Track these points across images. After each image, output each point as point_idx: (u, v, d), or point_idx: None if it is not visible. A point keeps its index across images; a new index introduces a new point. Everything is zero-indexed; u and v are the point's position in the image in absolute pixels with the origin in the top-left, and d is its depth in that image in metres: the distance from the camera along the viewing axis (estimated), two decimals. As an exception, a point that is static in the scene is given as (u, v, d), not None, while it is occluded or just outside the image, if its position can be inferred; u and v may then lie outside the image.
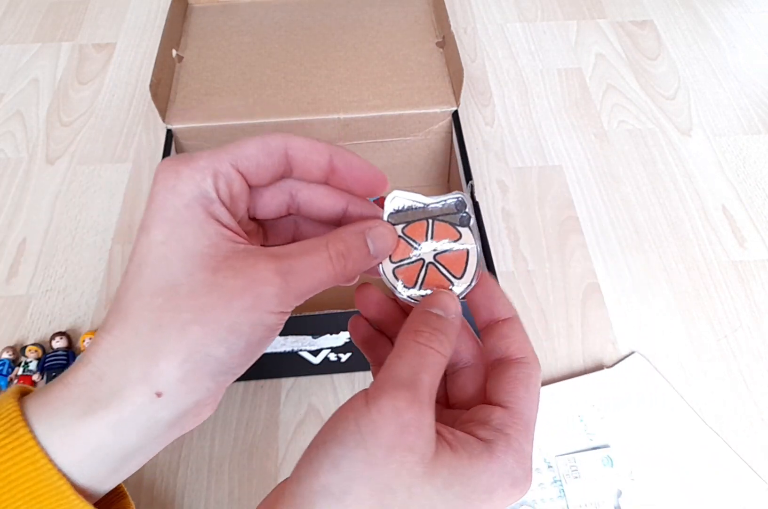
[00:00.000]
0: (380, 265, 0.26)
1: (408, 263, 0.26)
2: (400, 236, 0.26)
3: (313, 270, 0.22)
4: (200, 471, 0.48)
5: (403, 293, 0.26)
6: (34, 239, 0.63)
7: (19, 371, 0.52)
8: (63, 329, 0.56)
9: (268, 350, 0.46)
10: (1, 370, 0.52)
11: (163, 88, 0.58)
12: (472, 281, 0.26)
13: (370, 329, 0.28)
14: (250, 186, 0.24)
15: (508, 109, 0.75)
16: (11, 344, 0.55)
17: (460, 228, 0.26)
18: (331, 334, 0.46)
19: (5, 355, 0.53)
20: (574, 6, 0.89)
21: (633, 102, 0.76)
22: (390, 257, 0.26)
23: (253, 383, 0.53)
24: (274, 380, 0.53)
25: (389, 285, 0.26)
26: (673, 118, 0.74)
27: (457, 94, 0.58)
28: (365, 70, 0.62)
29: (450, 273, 0.26)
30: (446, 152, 0.63)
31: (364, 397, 0.21)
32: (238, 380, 0.52)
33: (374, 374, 0.27)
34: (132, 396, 0.21)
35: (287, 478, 0.22)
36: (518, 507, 0.46)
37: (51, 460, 0.20)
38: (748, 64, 0.80)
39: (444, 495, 0.21)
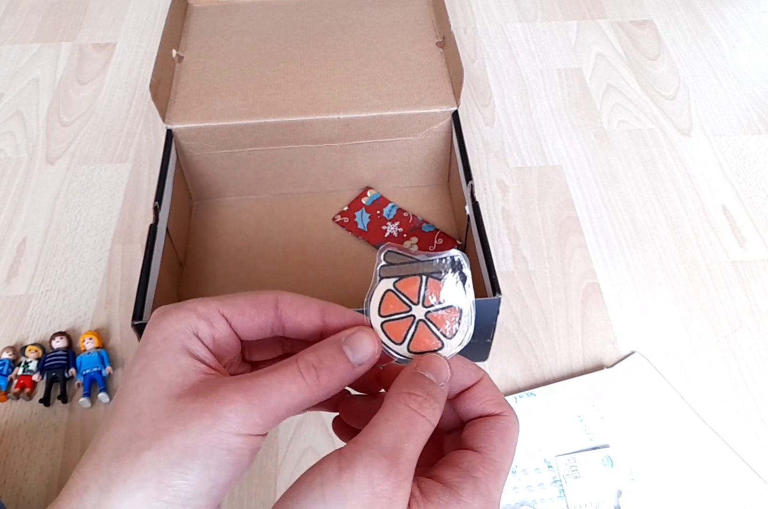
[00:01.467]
0: (369, 318, 0.25)
1: (397, 319, 0.25)
2: (391, 290, 0.25)
3: (279, 384, 0.21)
4: (200, 471, 0.48)
5: (391, 348, 0.25)
6: (34, 239, 0.63)
7: (19, 371, 0.52)
8: (63, 329, 0.56)
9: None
10: (1, 370, 0.52)
11: (163, 88, 0.58)
12: (462, 342, 0.25)
13: (345, 425, 0.27)
14: (241, 337, 0.24)
15: (508, 109, 0.75)
16: (11, 344, 0.55)
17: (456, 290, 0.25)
18: (331, 334, 0.46)
19: (5, 355, 0.53)
20: (574, 6, 0.89)
21: (633, 102, 0.76)
22: (379, 311, 0.25)
23: (253, 383, 0.52)
24: None
25: None
26: (673, 119, 0.74)
27: (457, 94, 0.58)
28: (365, 70, 0.62)
29: (440, 333, 0.25)
30: (446, 152, 0.63)
31: (338, 461, 0.20)
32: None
33: None
34: None
35: None
36: (518, 507, 0.46)
37: None
38: (748, 64, 0.80)
39: None
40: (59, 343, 0.53)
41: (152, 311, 0.46)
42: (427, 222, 0.63)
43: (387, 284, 0.25)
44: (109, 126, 0.74)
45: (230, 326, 0.24)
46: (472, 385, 0.25)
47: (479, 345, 0.51)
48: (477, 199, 0.51)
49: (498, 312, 0.45)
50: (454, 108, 0.58)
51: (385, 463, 0.20)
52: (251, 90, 0.60)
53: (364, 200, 0.65)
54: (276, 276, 0.59)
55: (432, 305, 0.25)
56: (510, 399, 0.51)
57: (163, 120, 0.57)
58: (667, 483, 0.47)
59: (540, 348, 0.55)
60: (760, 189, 0.67)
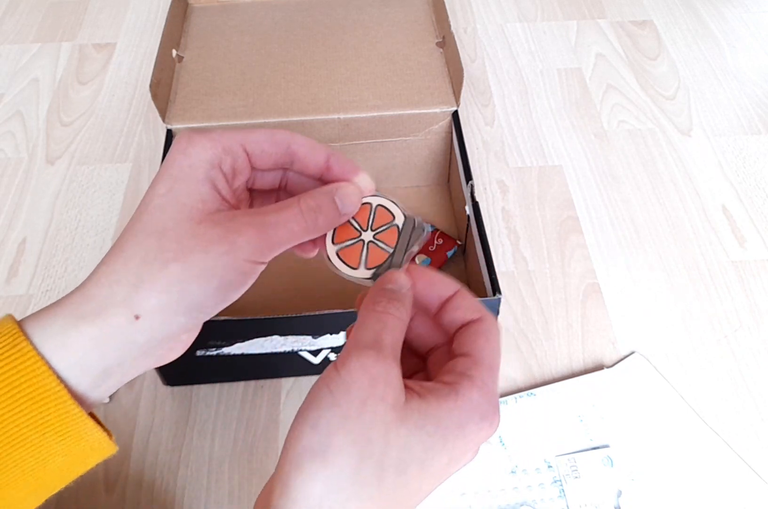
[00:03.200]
0: (325, 248, 0.29)
1: (350, 245, 0.29)
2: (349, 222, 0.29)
3: (285, 222, 0.25)
4: (200, 471, 0.48)
5: (349, 273, 0.29)
6: (34, 239, 0.63)
7: (19, 371, 0.52)
8: (63, 329, 0.56)
9: (268, 350, 0.47)
10: (1, 370, 0.52)
11: (163, 88, 0.58)
12: (408, 250, 0.29)
13: None
14: (253, 166, 0.27)
15: (508, 109, 0.75)
16: (11, 344, 0.55)
17: (393, 210, 0.29)
18: (331, 334, 0.46)
19: (5, 355, 0.53)
20: (574, 6, 0.89)
21: (633, 102, 0.76)
22: (333, 239, 0.29)
23: (253, 383, 0.53)
24: (274, 381, 0.53)
25: (332, 267, 0.29)
26: (673, 118, 0.74)
27: (457, 94, 0.58)
28: (365, 70, 0.62)
29: (387, 246, 0.29)
30: (446, 152, 0.63)
31: (334, 366, 0.23)
32: (238, 380, 0.52)
33: None
34: (113, 316, 0.23)
35: (279, 459, 0.23)
36: (518, 508, 0.46)
37: (50, 367, 0.23)
38: (748, 64, 0.80)
39: (418, 435, 0.22)
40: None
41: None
42: (427, 222, 0.62)
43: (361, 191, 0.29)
44: (109, 126, 0.74)
45: (248, 158, 0.27)
46: (451, 296, 0.27)
47: (479, 345, 0.51)
48: (477, 199, 0.52)
49: (498, 312, 0.45)
50: (454, 108, 0.58)
51: (371, 352, 0.23)
52: (251, 90, 0.60)
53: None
54: (274, 276, 0.59)
55: (378, 229, 0.29)
56: (510, 398, 0.51)
57: (163, 120, 0.57)
58: (667, 483, 0.47)
59: (540, 348, 0.55)
60: (760, 189, 0.67)
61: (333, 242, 0.29)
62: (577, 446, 0.49)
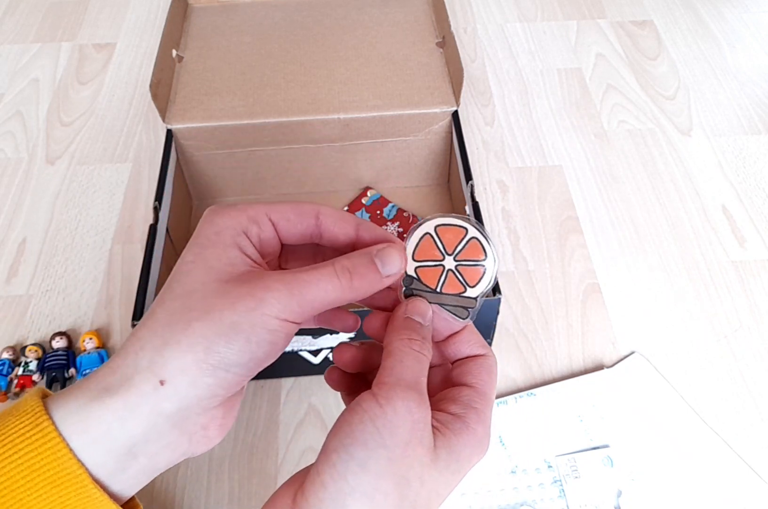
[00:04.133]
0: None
1: (430, 266, 0.28)
2: (428, 234, 0.28)
3: (317, 281, 0.24)
4: (200, 471, 0.48)
5: (415, 293, 0.28)
6: (34, 239, 0.63)
7: (19, 371, 0.52)
8: (63, 329, 0.56)
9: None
10: (1, 370, 0.52)
11: (163, 88, 0.58)
12: (495, 255, 0.28)
13: (344, 374, 0.30)
14: (282, 240, 0.27)
15: (508, 109, 0.75)
16: (11, 344, 0.55)
17: (486, 248, 0.28)
18: (331, 334, 0.46)
19: (5, 355, 0.53)
20: (574, 6, 0.89)
21: (633, 102, 0.76)
22: (413, 256, 0.28)
23: (253, 383, 0.53)
24: (274, 380, 0.53)
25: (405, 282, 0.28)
26: (673, 119, 0.74)
27: (457, 94, 0.58)
28: (365, 70, 0.62)
29: (466, 282, 0.28)
30: (446, 152, 0.63)
31: (375, 399, 0.23)
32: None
33: (347, 402, 0.29)
34: (138, 384, 0.23)
35: (290, 483, 0.24)
36: (518, 508, 0.46)
37: (71, 450, 0.22)
38: (748, 64, 0.80)
39: (445, 474, 0.24)
40: (59, 343, 0.53)
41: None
42: (427, 222, 0.62)
43: (428, 227, 0.28)
44: (109, 126, 0.74)
45: (275, 229, 0.26)
46: (460, 331, 0.28)
47: (479, 345, 0.51)
48: (477, 199, 0.52)
49: (498, 312, 0.45)
50: (454, 108, 0.58)
51: (415, 395, 0.24)
52: (251, 90, 0.60)
53: (364, 200, 0.65)
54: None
55: (462, 260, 0.28)
56: (510, 398, 0.51)
57: (163, 120, 0.57)
58: (667, 483, 0.47)
59: (540, 348, 0.55)
60: (760, 189, 0.67)
61: (413, 258, 0.28)
62: (577, 446, 0.49)
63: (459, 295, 0.28)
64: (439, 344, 0.28)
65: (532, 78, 0.79)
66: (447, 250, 0.28)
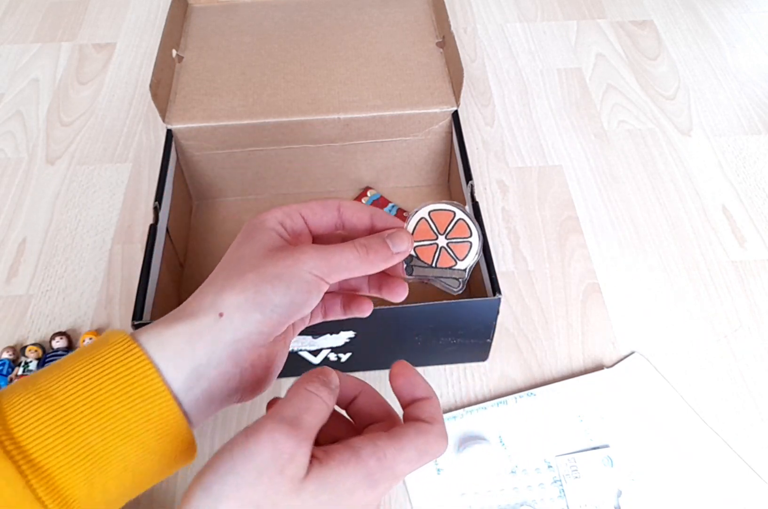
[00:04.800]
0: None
1: (426, 245, 0.33)
2: (423, 218, 0.33)
3: (341, 251, 0.29)
4: (200, 471, 0.48)
5: (415, 269, 0.32)
6: (34, 239, 0.63)
7: (19, 371, 0.52)
8: (63, 329, 0.56)
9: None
10: (1, 370, 0.52)
11: (163, 88, 0.58)
12: (479, 232, 0.33)
13: None
14: (311, 230, 0.32)
15: (508, 109, 0.75)
16: (11, 344, 0.55)
17: (471, 227, 0.33)
18: (331, 334, 0.46)
19: (5, 355, 0.53)
20: (574, 6, 0.89)
21: (633, 102, 0.76)
22: (424, 261, 0.32)
23: (253, 383, 0.52)
24: (275, 380, 0.53)
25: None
26: (673, 119, 0.74)
27: (457, 94, 0.58)
28: (365, 70, 0.62)
29: (456, 256, 0.32)
30: (446, 152, 0.63)
31: (245, 432, 0.24)
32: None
33: None
34: (203, 316, 0.27)
35: None
36: (518, 508, 0.46)
37: (158, 370, 0.26)
38: (748, 64, 0.80)
39: (309, 504, 0.23)
40: (59, 343, 0.53)
41: (152, 311, 0.46)
42: (427, 222, 0.62)
43: (423, 212, 0.33)
44: (109, 126, 0.74)
45: (305, 222, 0.31)
46: (421, 399, 0.29)
47: (479, 345, 0.51)
48: (477, 199, 0.51)
49: (498, 312, 0.45)
50: (454, 108, 0.58)
51: (285, 427, 0.24)
52: (251, 90, 0.60)
53: (364, 200, 0.65)
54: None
55: (453, 238, 0.33)
56: (510, 398, 0.51)
57: (163, 120, 0.57)
58: (667, 483, 0.47)
59: (540, 348, 0.55)
60: (760, 189, 0.67)
61: (428, 264, 0.33)
62: (577, 446, 0.49)
63: (451, 268, 0.32)
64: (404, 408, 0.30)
65: (532, 78, 0.79)
66: (439, 230, 0.33)
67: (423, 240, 0.33)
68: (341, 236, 0.34)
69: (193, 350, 0.27)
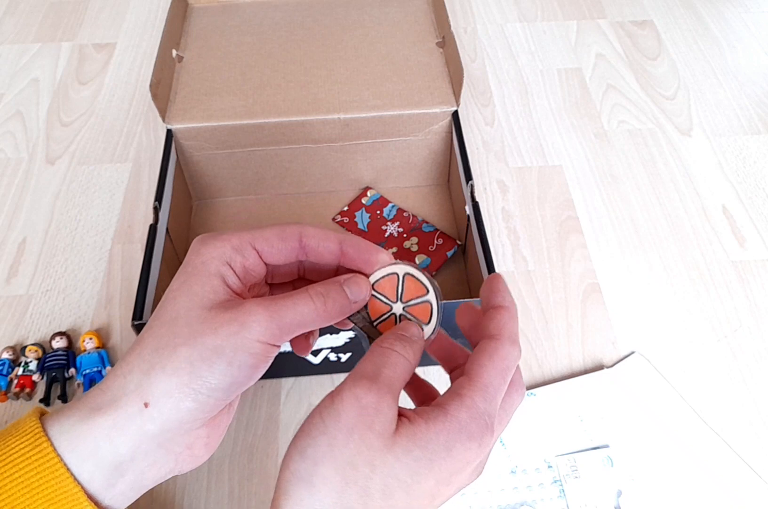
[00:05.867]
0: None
1: (384, 320, 0.29)
2: (373, 295, 0.29)
3: (294, 305, 0.26)
4: (200, 471, 0.48)
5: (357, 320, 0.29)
6: (34, 239, 0.63)
7: (19, 371, 0.52)
8: (63, 329, 0.56)
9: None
10: (1, 370, 0.52)
11: (163, 88, 0.58)
12: (436, 326, 0.29)
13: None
14: (267, 263, 0.28)
15: (508, 109, 0.75)
16: (11, 344, 0.55)
17: (427, 284, 0.28)
18: (331, 334, 0.46)
19: (5, 355, 0.53)
20: (574, 6, 0.89)
21: (633, 102, 0.76)
22: (369, 318, 0.29)
23: (253, 383, 0.53)
24: (274, 380, 0.53)
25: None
26: (673, 119, 0.74)
27: (457, 94, 0.58)
28: (365, 70, 0.62)
29: (419, 321, 0.29)
30: (446, 152, 0.63)
31: (330, 395, 0.24)
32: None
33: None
34: (124, 405, 0.24)
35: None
36: (518, 508, 0.46)
37: (68, 469, 0.23)
38: (748, 64, 0.80)
39: (404, 461, 0.23)
40: (59, 343, 0.53)
41: (152, 312, 0.46)
42: (427, 222, 0.63)
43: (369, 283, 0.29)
44: (109, 126, 0.74)
45: (259, 256, 0.28)
46: (496, 307, 0.27)
47: (479, 345, 0.51)
48: (477, 199, 0.51)
49: (498, 312, 0.45)
50: (454, 108, 0.58)
51: (365, 382, 0.24)
52: (251, 90, 0.60)
53: (364, 200, 0.65)
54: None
55: (409, 301, 0.29)
56: (510, 399, 0.51)
57: (163, 120, 0.57)
58: (667, 483, 0.47)
59: (540, 348, 0.55)
60: (760, 189, 0.67)
61: (371, 323, 0.29)
62: (577, 446, 0.49)
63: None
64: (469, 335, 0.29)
65: (532, 78, 0.79)
66: (390, 298, 0.29)
67: (380, 317, 0.29)
68: (300, 263, 0.30)
69: (114, 446, 0.24)
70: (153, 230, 0.50)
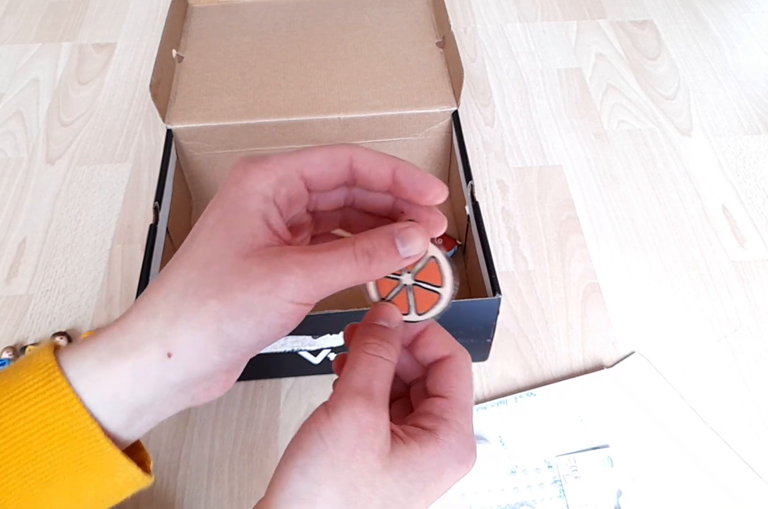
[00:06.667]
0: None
1: (395, 294, 0.27)
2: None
3: (336, 264, 0.23)
4: (200, 471, 0.48)
5: (407, 319, 0.28)
6: (34, 239, 0.63)
7: (19, 371, 0.52)
8: (63, 329, 0.56)
9: (268, 350, 0.47)
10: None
11: (163, 88, 0.58)
12: (455, 283, 0.27)
13: None
14: (311, 190, 0.26)
15: (508, 109, 0.75)
16: (11, 344, 0.55)
17: (446, 272, 0.27)
18: (331, 334, 0.46)
19: (5, 355, 0.53)
20: (574, 6, 0.89)
21: (633, 102, 0.76)
22: (379, 295, 0.27)
23: (253, 383, 0.53)
24: (274, 381, 0.53)
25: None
26: (673, 118, 0.74)
27: (457, 94, 0.58)
28: (365, 70, 0.62)
29: (433, 285, 0.27)
30: (446, 152, 0.63)
31: (325, 409, 0.24)
32: (238, 380, 0.52)
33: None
34: (147, 352, 0.23)
35: (262, 498, 0.24)
36: (518, 508, 0.46)
37: (84, 406, 0.22)
38: (748, 64, 0.80)
39: (401, 483, 0.23)
40: (59, 343, 0.53)
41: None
42: (427, 222, 0.62)
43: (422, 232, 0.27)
44: (109, 126, 0.74)
45: (305, 184, 0.25)
46: (422, 332, 0.28)
47: (479, 345, 0.51)
48: (477, 199, 0.51)
49: (498, 312, 0.45)
50: (454, 108, 0.58)
51: (361, 400, 0.23)
52: (251, 90, 0.60)
53: (364, 200, 0.65)
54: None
55: (414, 268, 0.27)
56: (510, 398, 0.51)
57: (163, 120, 0.57)
58: (667, 483, 0.47)
59: (540, 348, 0.55)
60: (760, 189, 0.67)
61: (381, 298, 0.27)
62: (577, 446, 0.49)
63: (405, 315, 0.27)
64: (409, 350, 0.28)
65: (532, 78, 0.79)
66: (396, 273, 0.27)
67: (390, 291, 0.27)
68: (349, 191, 0.28)
69: (134, 393, 0.23)
70: (153, 230, 0.50)
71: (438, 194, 0.27)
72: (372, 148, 0.26)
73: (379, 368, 0.25)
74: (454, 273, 0.27)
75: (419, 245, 0.25)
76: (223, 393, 0.27)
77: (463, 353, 0.27)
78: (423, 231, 0.25)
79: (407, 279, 0.27)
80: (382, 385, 0.25)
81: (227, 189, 0.25)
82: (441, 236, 0.28)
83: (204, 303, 0.22)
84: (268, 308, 0.22)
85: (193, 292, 0.23)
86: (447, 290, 0.27)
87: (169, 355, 0.23)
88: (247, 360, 0.26)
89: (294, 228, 0.27)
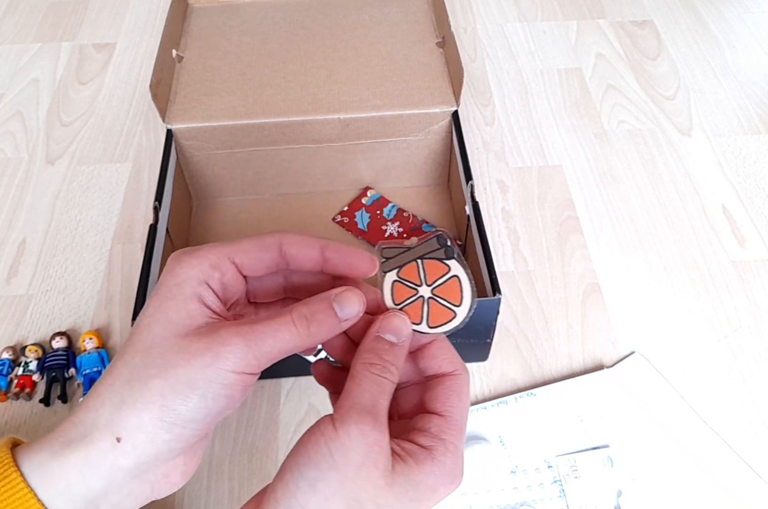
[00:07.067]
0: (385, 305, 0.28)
1: (410, 303, 0.28)
2: (397, 281, 0.28)
3: (274, 332, 0.24)
4: (200, 471, 0.48)
5: (416, 329, 0.28)
6: (34, 239, 0.63)
7: (19, 371, 0.52)
8: (63, 329, 0.56)
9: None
10: (1, 370, 0.52)
11: (163, 88, 0.58)
12: (472, 305, 0.27)
13: (330, 367, 0.31)
14: (245, 276, 0.27)
15: (508, 109, 0.75)
16: (11, 344, 0.55)
17: (447, 262, 0.28)
18: (331, 334, 0.46)
19: (5, 355, 0.53)
20: (574, 6, 0.89)
21: (633, 102, 0.76)
22: (393, 301, 0.28)
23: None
24: (274, 380, 0.53)
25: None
26: (673, 118, 0.74)
27: (457, 94, 0.58)
28: (365, 70, 0.62)
29: (450, 303, 0.27)
30: (446, 152, 0.63)
31: (332, 422, 0.24)
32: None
33: (333, 401, 0.30)
34: (97, 440, 0.23)
35: (255, 496, 0.24)
36: (518, 508, 0.46)
37: (39, 500, 0.23)
38: (748, 64, 0.80)
39: (402, 500, 0.24)
40: (59, 343, 0.53)
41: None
42: (427, 222, 0.63)
43: (391, 276, 0.28)
44: (109, 126, 0.74)
45: (238, 270, 0.26)
46: (429, 343, 0.28)
47: (479, 345, 0.51)
48: (477, 199, 0.51)
49: (498, 312, 0.45)
50: (454, 108, 0.58)
51: (369, 419, 0.24)
52: (251, 90, 0.60)
53: (364, 200, 0.65)
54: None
55: (435, 282, 0.28)
56: (510, 398, 0.51)
57: (163, 120, 0.57)
58: (667, 483, 0.47)
59: (540, 348, 0.55)
60: (760, 189, 0.67)
61: (394, 304, 0.28)
62: (577, 446, 0.49)
63: (415, 324, 0.27)
64: (412, 356, 0.29)
65: (532, 78, 0.79)
66: (415, 283, 0.28)
67: (405, 299, 0.28)
68: (283, 275, 0.29)
69: (86, 483, 0.23)
70: (153, 230, 0.50)
71: (367, 269, 0.28)
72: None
73: (384, 389, 0.26)
74: (473, 295, 0.27)
75: (357, 307, 0.26)
76: (185, 480, 0.26)
77: (466, 373, 0.28)
78: (359, 294, 0.26)
79: (425, 291, 0.27)
80: (385, 404, 0.25)
81: (163, 279, 0.26)
82: (440, 236, 0.28)
83: (147, 384, 0.23)
84: (211, 381, 0.23)
85: (137, 376, 0.23)
86: (463, 311, 0.27)
87: (118, 440, 0.23)
88: (201, 440, 0.26)
89: (231, 317, 0.28)
